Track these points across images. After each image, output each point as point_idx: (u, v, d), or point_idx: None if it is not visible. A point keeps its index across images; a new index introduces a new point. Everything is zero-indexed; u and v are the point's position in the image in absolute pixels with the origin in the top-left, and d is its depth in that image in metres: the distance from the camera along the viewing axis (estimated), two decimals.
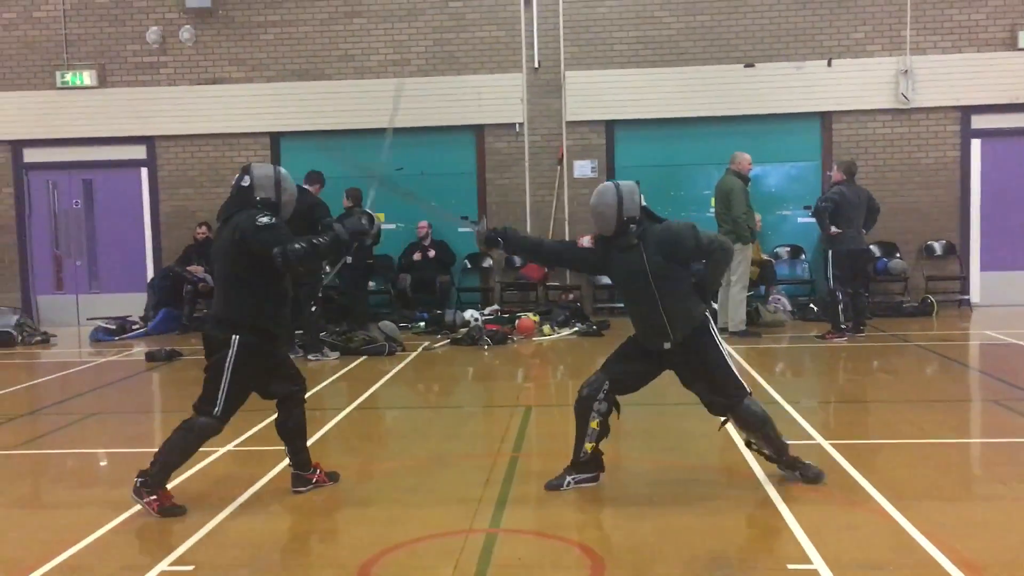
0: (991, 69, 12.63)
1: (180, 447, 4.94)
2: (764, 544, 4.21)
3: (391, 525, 4.63)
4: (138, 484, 4.87)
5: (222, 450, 6.15)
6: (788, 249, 13.18)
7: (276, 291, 4.97)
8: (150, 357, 10.30)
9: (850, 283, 10.43)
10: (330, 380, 8.84)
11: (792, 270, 13.26)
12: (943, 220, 12.97)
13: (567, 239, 12.72)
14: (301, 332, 10.22)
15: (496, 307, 12.74)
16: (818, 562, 3.94)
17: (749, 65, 12.97)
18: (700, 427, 6.50)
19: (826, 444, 5.89)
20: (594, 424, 5.01)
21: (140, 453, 6.32)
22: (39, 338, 12.27)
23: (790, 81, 12.89)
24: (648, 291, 4.86)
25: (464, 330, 11.42)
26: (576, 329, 11.56)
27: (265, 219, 4.80)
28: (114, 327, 12.44)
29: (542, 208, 13.43)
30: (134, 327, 12.67)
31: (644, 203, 4.94)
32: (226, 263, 4.95)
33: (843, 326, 10.31)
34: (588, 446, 5.03)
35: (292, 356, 9.95)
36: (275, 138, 13.70)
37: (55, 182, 14.02)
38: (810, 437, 6.10)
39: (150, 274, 13.83)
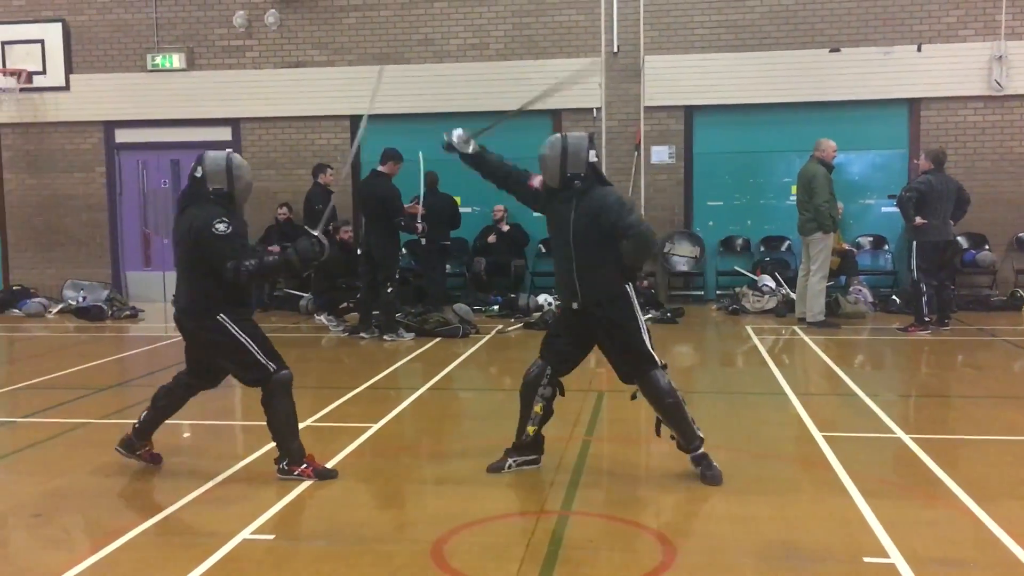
0: None
1: (282, 418, 5.09)
2: (839, 536, 4.14)
3: (464, 504, 4.69)
4: (284, 466, 5.06)
5: (301, 425, 6.28)
6: (871, 239, 12.86)
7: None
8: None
9: (935, 275, 10.14)
10: (405, 360, 8.97)
11: (874, 260, 12.94)
12: None
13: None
14: (377, 313, 10.39)
15: None
16: (895, 556, 3.87)
17: (835, 50, 12.65)
18: (775, 416, 6.46)
19: (906, 438, 5.76)
20: (537, 408, 5.07)
21: (222, 425, 6.56)
22: (128, 313, 12.70)
23: (877, 67, 12.53)
24: (567, 248, 4.91)
25: (537, 314, 11.45)
26: (650, 316, 11.47)
27: (222, 227, 4.85)
28: None
29: None
30: None
31: (593, 159, 4.89)
32: (186, 256, 5.02)
33: (926, 319, 10.04)
34: (530, 429, 5.10)
35: (367, 336, 10.26)
36: (355, 121, 13.87)
37: (145, 162, 14.46)
38: (889, 431, 5.98)
39: None
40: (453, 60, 13.54)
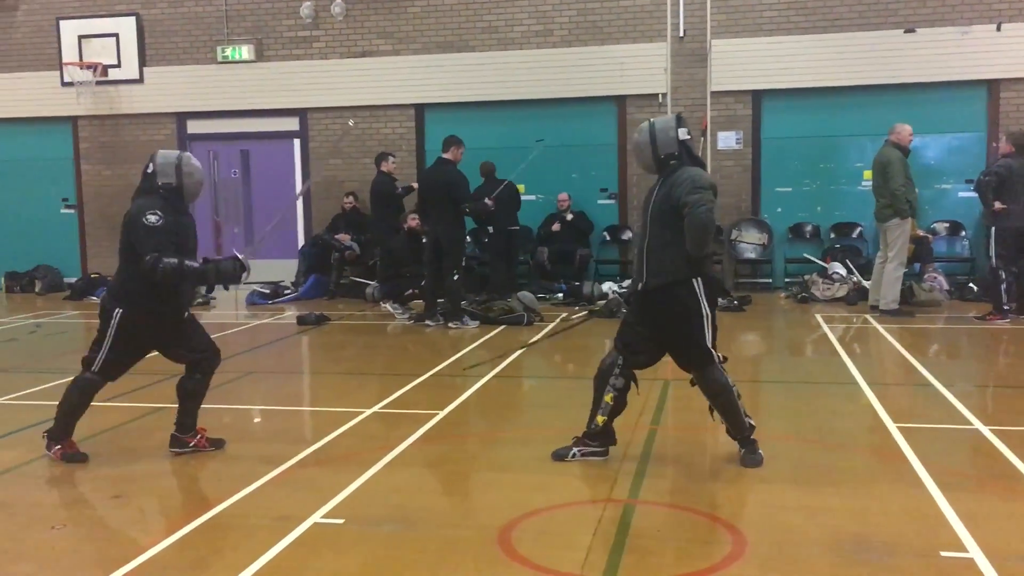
0: None
1: (67, 401, 5.33)
2: (915, 529, 4.04)
3: (529, 491, 4.69)
4: (45, 438, 5.37)
5: (368, 411, 6.38)
6: (947, 225, 12.52)
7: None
8: (301, 321, 10.75)
9: (1015, 262, 9.82)
10: (469, 348, 9.00)
11: (951, 247, 12.58)
12: None
13: None
14: (443, 300, 10.45)
15: None
16: (974, 551, 3.76)
17: (910, 30, 12.31)
18: (847, 406, 6.33)
19: (984, 429, 5.59)
20: (608, 398, 5.02)
21: (290, 411, 6.66)
22: (200, 300, 12.97)
23: (955, 47, 12.16)
24: (644, 226, 4.88)
25: (601, 302, 11.40)
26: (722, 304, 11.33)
27: (152, 219, 5.01)
28: (268, 291, 13.03)
29: None
30: (286, 292, 13.25)
31: (685, 136, 4.83)
32: (122, 239, 5.20)
33: (1006, 307, 9.73)
34: (600, 419, 5.05)
35: (433, 324, 10.32)
36: (419, 110, 13.96)
37: (216, 152, 14.76)
38: (967, 422, 5.81)
39: (301, 241, 14.40)
40: (517, 47, 13.53)
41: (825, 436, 5.59)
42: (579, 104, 13.42)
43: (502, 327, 10.14)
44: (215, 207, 14.80)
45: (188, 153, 5.42)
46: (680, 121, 4.91)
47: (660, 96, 13.14)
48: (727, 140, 13.08)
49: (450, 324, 10.21)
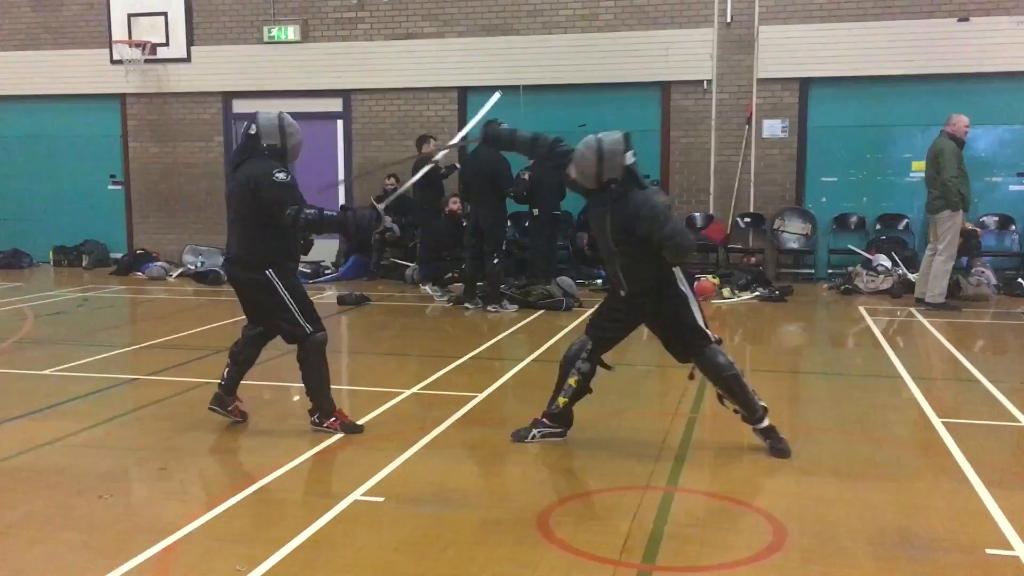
0: None
1: (316, 375, 5.37)
2: (959, 526, 3.98)
3: (567, 476, 4.71)
4: (315, 419, 5.40)
5: (407, 392, 6.42)
6: (996, 219, 12.27)
7: (284, 228, 5.17)
8: (341, 301, 10.83)
9: None
10: (509, 331, 9.01)
11: (999, 241, 12.35)
12: None
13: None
14: (482, 284, 10.47)
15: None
16: (1020, 549, 3.71)
17: (963, 19, 12.05)
18: (890, 400, 6.25)
19: None
20: (572, 381, 5.09)
21: (334, 390, 6.69)
22: None
23: (1008, 36, 11.90)
24: (608, 248, 4.91)
25: None
26: (757, 294, 11.25)
27: (281, 175, 5.09)
28: (308, 271, 13.12)
29: (727, 168, 13.08)
30: (326, 272, 13.35)
31: (630, 161, 4.77)
32: (241, 207, 5.23)
33: None
34: (561, 400, 5.14)
35: (472, 307, 10.35)
36: (462, 92, 13.94)
37: None
38: (1013, 419, 5.71)
39: None
40: (562, 31, 13.45)
41: (868, 429, 5.52)
42: (623, 89, 13.33)
43: (541, 311, 10.14)
44: None
45: (285, 112, 5.38)
46: (628, 143, 4.82)
47: (705, 82, 13.01)
48: (772, 128, 12.92)
49: (489, 308, 10.23)
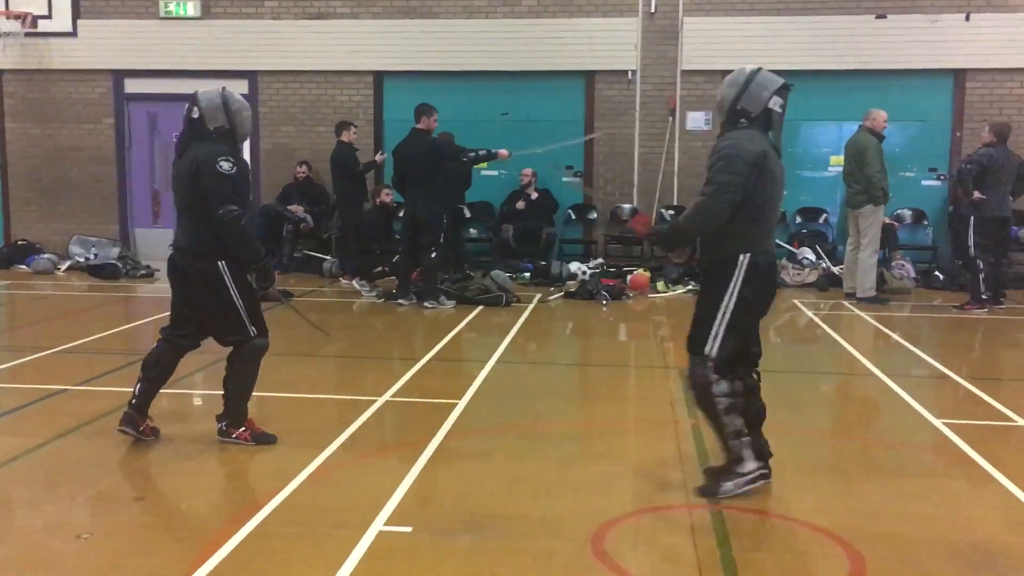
0: None
1: (241, 381, 4.94)
2: (1018, 535, 3.86)
3: (599, 493, 4.35)
4: (224, 427, 4.95)
5: (381, 400, 5.94)
6: (911, 213, 12.60)
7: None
8: (263, 298, 10.08)
9: (992, 252, 9.89)
10: (457, 329, 8.57)
11: (913, 235, 12.67)
12: None
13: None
14: (418, 279, 9.99)
15: (600, 260, 12.35)
16: None
17: (881, 16, 12.29)
18: (881, 400, 6.12)
19: None
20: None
21: (293, 399, 6.13)
22: (143, 272, 12.17)
23: (924, 35, 12.19)
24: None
25: (572, 282, 11.10)
26: (691, 287, 11.16)
27: (226, 165, 4.66)
28: None
29: (651, 160, 12.96)
30: None
31: (777, 108, 4.17)
32: (187, 196, 4.80)
33: (984, 296, 9.79)
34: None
35: (406, 303, 9.85)
36: (379, 77, 13.33)
37: (155, 114, 13.84)
38: (1007, 418, 5.70)
39: None
40: (483, 16, 13.01)
41: (877, 433, 5.41)
42: (546, 78, 13.01)
43: (479, 308, 9.74)
44: (154, 173, 13.90)
45: (229, 88, 4.93)
46: (784, 91, 4.23)
47: (630, 73, 12.84)
48: (696, 121, 12.87)
49: (426, 304, 9.75)
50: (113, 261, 12.10)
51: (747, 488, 4.21)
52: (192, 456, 4.88)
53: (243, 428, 4.95)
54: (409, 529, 3.90)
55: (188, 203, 4.79)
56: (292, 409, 5.91)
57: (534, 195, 12.74)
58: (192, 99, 4.82)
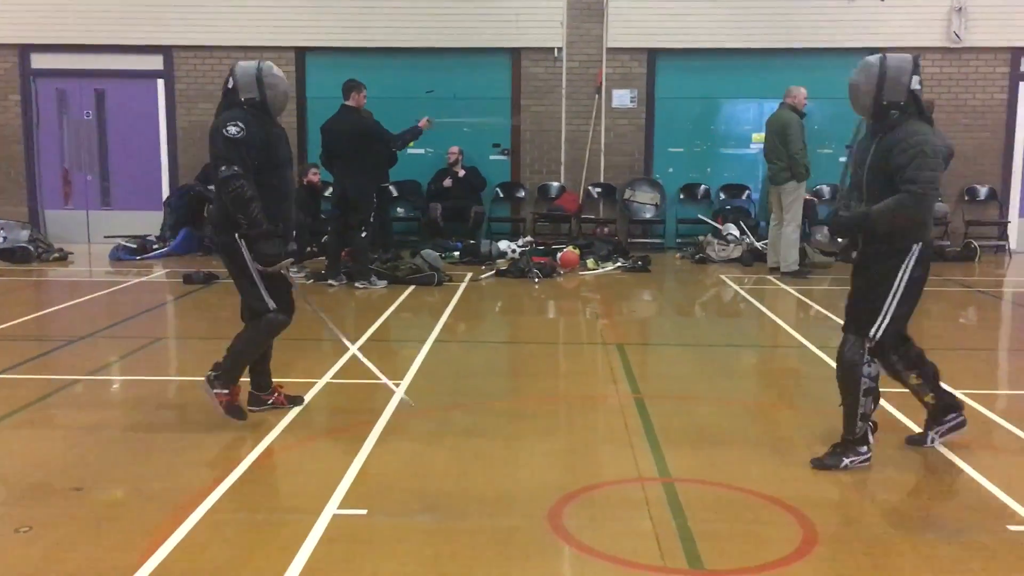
0: None
1: (251, 346, 4.94)
2: (965, 502, 3.99)
3: (549, 469, 4.36)
4: (212, 376, 4.89)
5: (321, 382, 5.84)
6: (829, 189, 12.93)
7: (267, 185, 4.73)
8: (188, 280, 9.84)
9: None
10: (391, 310, 8.48)
11: (832, 211, 12.98)
12: (987, 164, 12.81)
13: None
14: (348, 259, 9.84)
15: (529, 239, 12.36)
16: None
17: None
18: (815, 371, 6.24)
19: (958, 393, 5.67)
20: (913, 380, 4.58)
21: (241, 383, 5.97)
22: (56, 255, 11.70)
23: (842, 15, 12.49)
24: (860, 183, 4.35)
25: (502, 261, 11.10)
26: (619, 264, 11.26)
27: (233, 130, 4.66)
28: (135, 246, 11.91)
29: (578, 137, 13.01)
30: (154, 247, 12.14)
31: (916, 87, 4.20)
32: (213, 164, 4.81)
33: None
34: (927, 397, 4.61)
35: (337, 283, 9.69)
36: (300, 54, 13.04)
37: (64, 91, 13.27)
38: None
39: (166, 192, 13.24)
40: None
41: (817, 404, 5.52)
42: (472, 55, 12.92)
43: (411, 287, 9.64)
44: (64, 152, 13.35)
45: (269, 62, 4.91)
46: (916, 66, 4.23)
47: (556, 50, 12.84)
48: (622, 98, 12.96)
49: (357, 284, 9.61)
50: (24, 244, 11.60)
51: (862, 465, 4.37)
52: (130, 444, 4.72)
53: (226, 391, 4.89)
54: (364, 512, 3.84)
55: (213, 174, 4.79)
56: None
57: (461, 173, 12.67)
58: (230, 70, 4.88)
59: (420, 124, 9.77)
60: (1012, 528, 3.73)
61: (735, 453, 4.63)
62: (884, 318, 4.29)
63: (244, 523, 3.74)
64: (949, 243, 12.38)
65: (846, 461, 4.37)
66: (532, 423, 5.07)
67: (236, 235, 4.71)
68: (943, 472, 4.36)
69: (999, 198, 12.81)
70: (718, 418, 5.25)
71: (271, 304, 4.84)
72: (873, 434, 4.44)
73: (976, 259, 11.99)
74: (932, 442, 4.62)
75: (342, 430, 4.94)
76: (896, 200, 4.18)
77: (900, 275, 4.25)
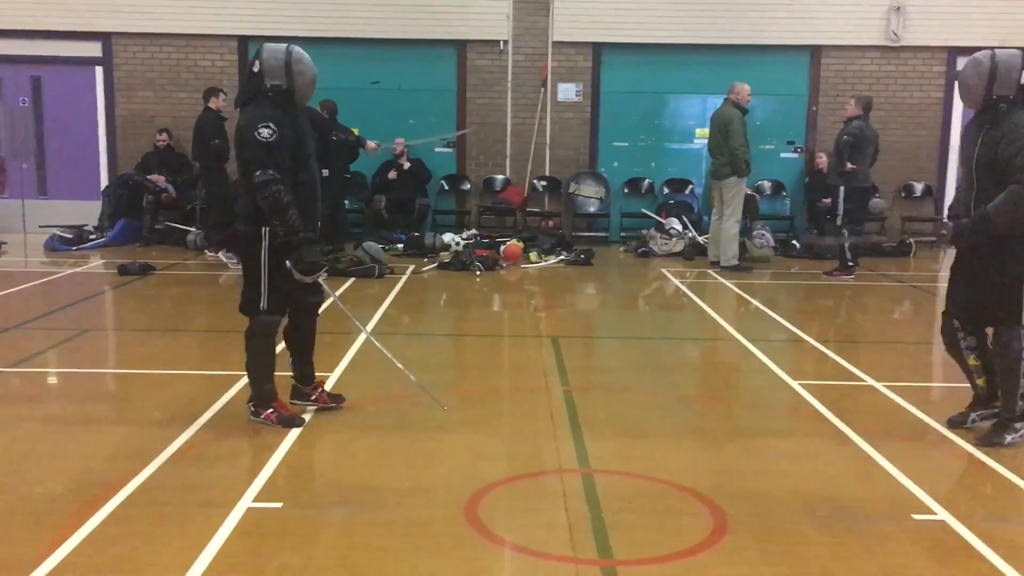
0: (980, 11, 12.57)
1: (259, 357, 4.80)
2: (875, 492, 4.06)
3: (470, 460, 4.38)
4: (251, 408, 4.82)
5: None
6: (770, 184, 13.10)
7: (299, 181, 4.64)
8: (124, 271, 9.68)
9: (860, 222, 10.40)
10: (329, 302, 8.40)
11: (772, 205, 13.18)
12: (923, 161, 13.06)
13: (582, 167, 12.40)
14: None
15: (474, 231, 12.35)
16: (942, 512, 3.83)
17: None
18: (742, 363, 6.34)
19: (879, 385, 5.80)
20: (972, 361, 4.76)
21: (158, 376, 5.92)
22: None
23: (782, 12, 12.64)
24: (970, 173, 4.50)
25: (445, 253, 11.09)
26: (562, 258, 11.30)
27: (265, 132, 4.50)
28: (71, 236, 11.69)
29: (523, 131, 13.02)
30: (91, 237, 11.93)
31: None
32: (238, 159, 4.69)
33: (850, 264, 10.22)
34: (980, 381, 4.79)
35: None
36: (243, 42, 12.88)
37: (0, 77, 12.96)
38: (854, 376, 6.01)
39: (104, 181, 13.02)
40: None
41: (738, 395, 5.61)
42: (418, 47, 12.87)
43: (352, 280, 9.59)
44: None
45: (298, 47, 4.70)
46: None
47: (501, 43, 12.83)
48: (567, 92, 12.99)
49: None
50: None
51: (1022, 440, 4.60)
52: (45, 437, 4.65)
53: (270, 409, 4.77)
54: (279, 505, 3.82)
55: (239, 167, 4.65)
56: (156, 386, 5.70)
57: (406, 165, 12.62)
58: (256, 51, 4.70)
59: (369, 144, 9.85)
60: (916, 517, 3.81)
61: (656, 444, 4.68)
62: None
63: (154, 517, 3.69)
64: (886, 239, 12.60)
65: (1009, 438, 4.58)
66: (459, 415, 5.08)
67: (264, 227, 4.58)
68: (860, 463, 4.44)
69: (934, 195, 13.07)
70: (643, 410, 5.30)
71: (264, 304, 4.72)
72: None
73: (911, 254, 12.22)
74: (972, 423, 4.81)
75: (264, 425, 4.90)
76: (1009, 193, 4.34)
77: None
